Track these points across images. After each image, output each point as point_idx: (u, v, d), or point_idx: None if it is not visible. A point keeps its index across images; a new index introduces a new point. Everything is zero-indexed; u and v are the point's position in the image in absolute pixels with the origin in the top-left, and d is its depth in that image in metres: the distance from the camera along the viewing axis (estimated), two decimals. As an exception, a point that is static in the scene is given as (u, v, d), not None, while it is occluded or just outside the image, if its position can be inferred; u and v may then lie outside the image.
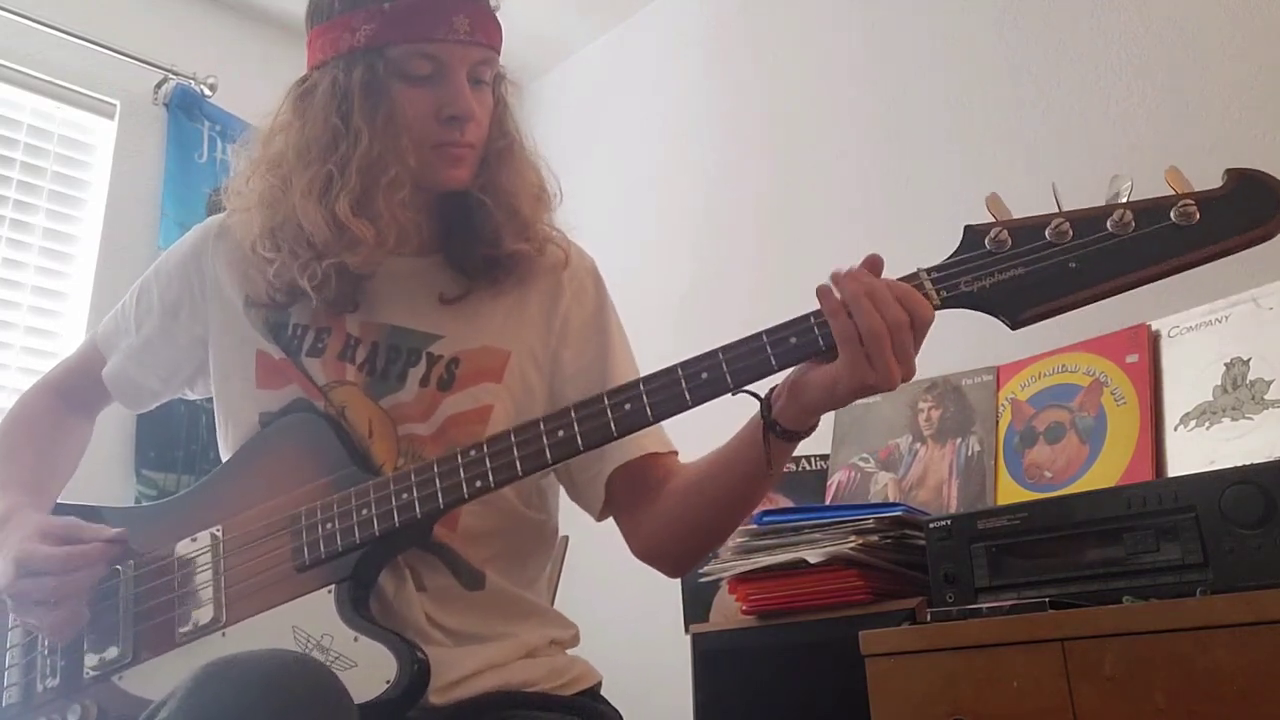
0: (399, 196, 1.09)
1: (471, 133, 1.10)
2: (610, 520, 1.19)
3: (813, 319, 0.93)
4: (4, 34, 2.45)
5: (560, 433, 0.98)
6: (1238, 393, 1.47)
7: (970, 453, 1.76)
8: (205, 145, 2.71)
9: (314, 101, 1.10)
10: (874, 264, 0.93)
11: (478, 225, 1.14)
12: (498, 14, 1.14)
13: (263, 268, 1.12)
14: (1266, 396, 1.44)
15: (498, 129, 1.16)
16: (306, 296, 1.11)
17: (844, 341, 0.89)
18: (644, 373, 1.00)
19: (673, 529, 1.12)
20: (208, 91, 2.73)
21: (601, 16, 3.00)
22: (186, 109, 2.69)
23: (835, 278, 0.91)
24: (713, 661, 1.63)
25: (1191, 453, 1.50)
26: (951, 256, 0.92)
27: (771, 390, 0.99)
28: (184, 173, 2.65)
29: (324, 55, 1.11)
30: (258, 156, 1.14)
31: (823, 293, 0.91)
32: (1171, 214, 0.85)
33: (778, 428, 0.98)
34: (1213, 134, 1.78)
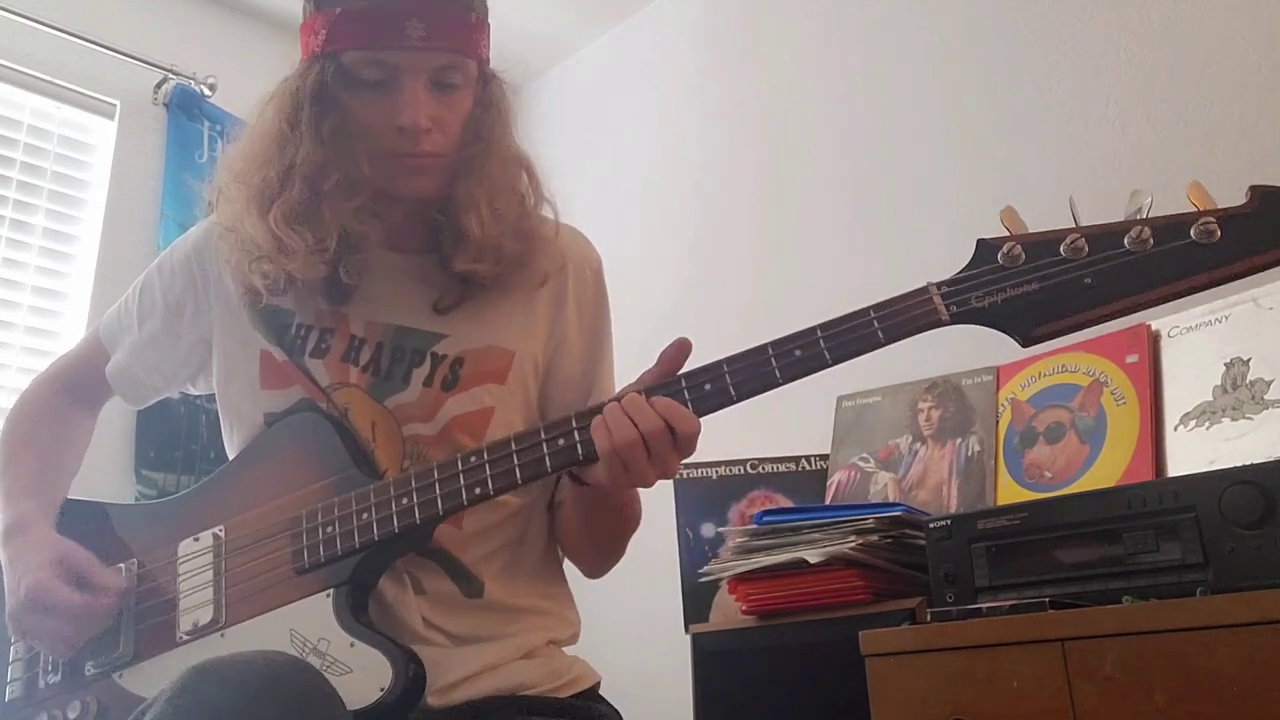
0: (351, 204, 1.07)
1: (431, 142, 1.07)
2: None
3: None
4: (4, 34, 2.45)
5: (560, 441, 0.98)
6: (1238, 393, 1.47)
7: (970, 453, 1.76)
8: (205, 145, 2.70)
9: (270, 106, 1.10)
10: (680, 349, 0.98)
11: (443, 242, 1.13)
12: (478, 15, 1.10)
13: (230, 266, 1.14)
14: (1266, 396, 1.44)
15: (472, 134, 1.12)
16: (288, 292, 1.11)
17: (605, 456, 0.95)
18: (633, 374, 1.01)
19: (564, 546, 1.21)
20: (208, 91, 2.73)
21: (600, 16, 3.00)
22: (186, 109, 2.69)
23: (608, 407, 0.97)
24: (713, 661, 1.63)
25: (1191, 453, 1.49)
26: (963, 271, 0.91)
27: None
28: (184, 173, 2.64)
29: (300, 58, 1.11)
30: (225, 156, 1.16)
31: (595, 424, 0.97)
32: (1192, 231, 0.83)
33: (576, 478, 1.05)
34: (1213, 133, 1.78)
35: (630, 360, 1.22)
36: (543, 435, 0.99)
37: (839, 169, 2.35)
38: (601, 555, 1.20)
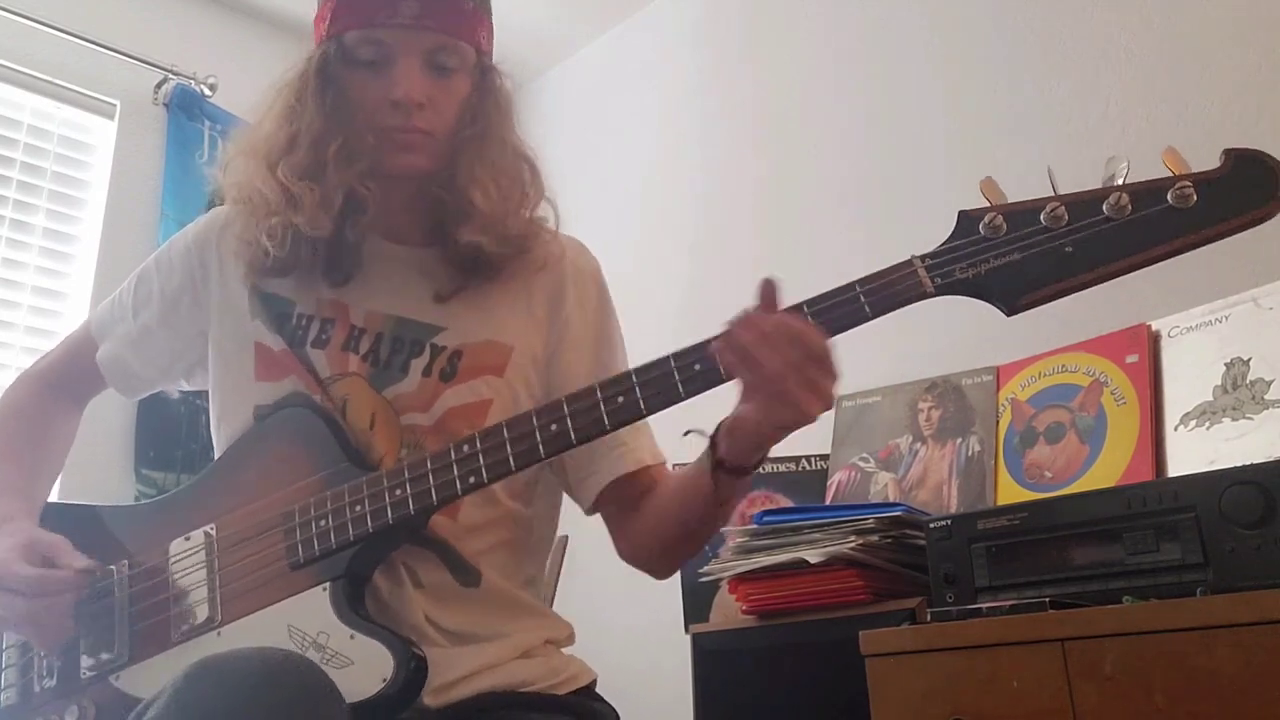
0: (355, 168, 1.11)
1: (424, 119, 1.10)
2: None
3: None
4: (4, 34, 2.45)
5: (553, 426, 0.97)
6: (1238, 393, 1.47)
7: (970, 453, 1.76)
8: (205, 145, 2.71)
9: (280, 88, 1.15)
10: (768, 293, 0.94)
11: (448, 217, 1.14)
12: (475, 5, 1.13)
13: (237, 229, 1.16)
14: (1266, 396, 1.44)
15: (469, 118, 1.14)
16: (286, 265, 1.13)
17: (751, 390, 0.91)
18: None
19: (649, 542, 1.16)
20: (208, 91, 2.73)
21: (600, 16, 3.00)
22: (186, 109, 2.69)
23: (730, 331, 0.92)
24: (713, 661, 1.63)
25: (1191, 453, 1.49)
26: (945, 243, 0.91)
27: (719, 427, 0.99)
28: (184, 173, 2.65)
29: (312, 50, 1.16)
30: (234, 137, 1.22)
31: (719, 350, 0.92)
32: (1169, 196, 0.84)
33: (725, 465, 0.99)
34: (1213, 133, 1.77)
35: (632, 361, 1.22)
36: (535, 421, 0.98)
37: (839, 169, 2.35)
38: (692, 547, 1.17)
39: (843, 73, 2.41)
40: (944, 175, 2.14)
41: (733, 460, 0.99)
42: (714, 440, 0.99)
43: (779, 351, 0.88)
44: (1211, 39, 1.82)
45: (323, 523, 1.02)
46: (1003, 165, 2.03)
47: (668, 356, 0.95)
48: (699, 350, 0.94)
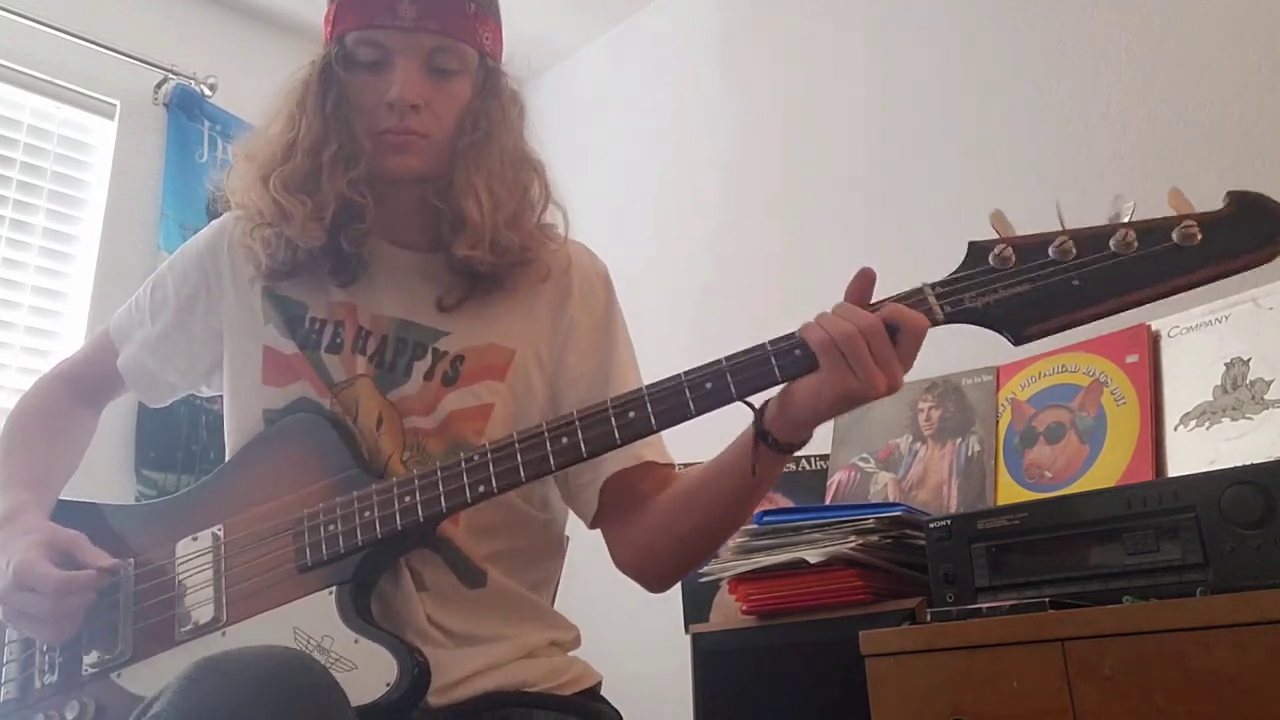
0: (349, 175, 1.10)
1: (419, 121, 1.09)
2: (611, 521, 1.19)
3: None
4: (4, 34, 2.45)
5: (564, 439, 0.98)
6: (1238, 393, 1.47)
7: (970, 453, 1.76)
8: (205, 145, 2.71)
9: (289, 92, 1.15)
10: (865, 278, 0.94)
11: (444, 228, 1.14)
12: (478, 6, 1.13)
13: (238, 234, 1.17)
14: (1266, 396, 1.44)
15: (470, 123, 1.13)
16: (289, 269, 1.14)
17: (821, 349, 0.91)
18: (648, 379, 1.00)
19: (659, 541, 1.13)
20: (208, 91, 2.73)
21: (601, 16, 3.00)
22: (186, 109, 2.69)
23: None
24: (713, 661, 1.63)
25: (1191, 453, 1.49)
26: (956, 272, 0.93)
27: (767, 401, 0.99)
28: (184, 173, 2.65)
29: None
30: (241, 140, 1.22)
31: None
32: (1174, 235, 0.86)
33: (769, 438, 0.99)
34: (1213, 133, 1.77)
35: (646, 368, 1.22)
36: (546, 433, 0.98)
37: (846, 166, 2.35)
38: (710, 545, 1.17)
39: (848, 71, 2.41)
40: (943, 175, 2.14)
41: (779, 434, 0.98)
42: (761, 411, 0.99)
43: (853, 317, 0.90)
44: (1211, 39, 1.82)
45: (331, 527, 1.03)
46: (1003, 165, 2.04)
47: (679, 375, 0.96)
48: (710, 369, 0.95)
